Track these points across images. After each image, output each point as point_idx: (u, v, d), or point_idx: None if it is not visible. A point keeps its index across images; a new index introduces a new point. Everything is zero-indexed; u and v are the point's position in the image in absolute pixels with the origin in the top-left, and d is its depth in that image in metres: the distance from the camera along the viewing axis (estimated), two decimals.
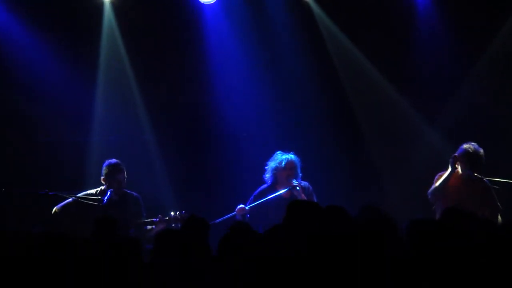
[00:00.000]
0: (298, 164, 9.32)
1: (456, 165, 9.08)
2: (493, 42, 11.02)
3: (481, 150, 9.03)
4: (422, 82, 11.11)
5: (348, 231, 4.84)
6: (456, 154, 9.05)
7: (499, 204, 9.00)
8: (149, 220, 8.84)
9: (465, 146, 9.05)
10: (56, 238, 4.86)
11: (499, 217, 8.96)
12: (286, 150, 9.44)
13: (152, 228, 8.74)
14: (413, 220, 5.28)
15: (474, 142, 9.08)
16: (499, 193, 9.09)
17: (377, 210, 5.32)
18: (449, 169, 9.05)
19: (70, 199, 8.83)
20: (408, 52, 11.09)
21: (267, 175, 9.42)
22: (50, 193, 8.74)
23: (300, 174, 9.34)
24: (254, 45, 11.09)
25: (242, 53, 11.09)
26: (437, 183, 9.04)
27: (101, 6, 10.92)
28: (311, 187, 9.36)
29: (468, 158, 8.98)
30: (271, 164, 9.38)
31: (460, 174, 9.04)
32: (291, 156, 9.33)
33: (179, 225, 8.64)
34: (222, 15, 11.06)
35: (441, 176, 9.13)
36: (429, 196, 9.10)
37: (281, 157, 9.33)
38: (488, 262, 4.66)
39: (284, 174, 9.27)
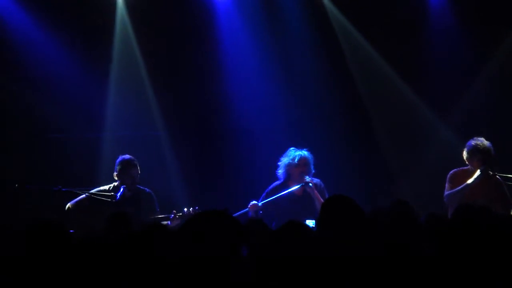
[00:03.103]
0: (311, 161, 9.30)
1: (467, 162, 9.05)
2: (507, 39, 11.00)
3: (491, 145, 8.98)
4: (435, 79, 11.09)
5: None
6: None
7: (511, 199, 8.99)
8: (163, 216, 8.86)
9: (474, 142, 8.99)
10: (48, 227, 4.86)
11: (511, 213, 8.95)
12: (298, 146, 9.43)
13: (167, 224, 8.76)
14: (430, 213, 5.29)
15: (487, 139, 9.04)
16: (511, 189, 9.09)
17: (407, 205, 5.31)
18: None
19: (84, 195, 8.84)
20: (421, 50, 11.07)
21: (280, 171, 9.40)
22: (63, 189, 8.73)
23: (313, 171, 9.34)
24: (267, 41, 11.09)
25: (255, 49, 11.10)
26: (458, 188, 8.94)
27: (114, 2, 10.95)
28: (323, 184, 9.34)
29: (480, 154, 8.94)
30: (284, 160, 9.36)
31: (473, 171, 9.01)
32: (304, 152, 9.32)
33: None
34: (235, 11, 11.08)
35: (455, 174, 9.08)
36: (446, 199, 9.04)
37: (294, 153, 9.32)
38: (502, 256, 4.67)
39: (297, 170, 9.25)
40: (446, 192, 9.05)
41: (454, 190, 8.96)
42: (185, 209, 8.79)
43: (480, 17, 10.91)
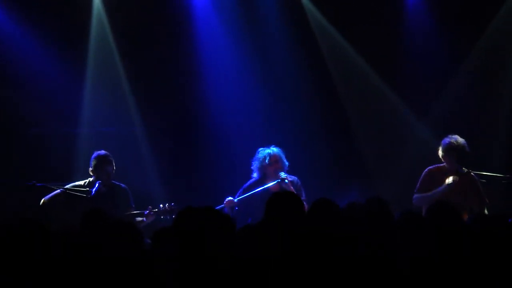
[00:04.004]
0: (282, 155, 9.31)
1: (442, 160, 9.10)
2: (482, 38, 11.08)
3: (465, 142, 9.02)
4: (411, 77, 11.16)
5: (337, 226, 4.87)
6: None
7: (486, 197, 9.05)
8: (138, 212, 8.84)
9: (449, 139, 8.99)
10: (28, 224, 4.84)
11: (485, 210, 9.00)
12: (273, 143, 9.44)
13: (142, 220, 8.74)
14: (404, 212, 5.32)
15: (463, 136, 9.09)
16: (486, 187, 9.14)
17: (382, 202, 5.34)
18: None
19: (59, 190, 8.81)
20: (398, 47, 11.14)
21: (255, 174, 9.42)
22: (37, 184, 8.71)
23: (287, 163, 9.34)
24: (245, 40, 11.11)
25: (233, 47, 11.11)
26: (428, 194, 8.92)
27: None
28: (299, 182, 9.35)
29: (455, 152, 8.98)
30: (256, 163, 9.39)
31: (447, 169, 9.06)
32: (273, 149, 9.32)
33: (168, 217, 8.65)
34: (213, 9, 11.07)
35: (430, 172, 9.11)
36: (414, 201, 9.05)
37: (263, 153, 9.32)
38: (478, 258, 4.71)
39: (270, 169, 9.27)
40: (416, 195, 9.07)
41: (424, 195, 8.98)
42: (161, 205, 8.78)
43: (456, 17, 10.99)
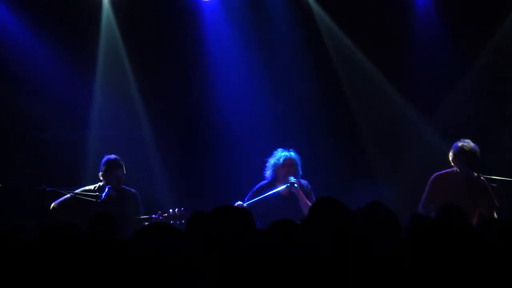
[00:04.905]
0: (298, 162, 9.29)
1: (452, 163, 9.07)
2: (490, 43, 11.06)
3: (477, 147, 9.00)
4: (419, 81, 11.14)
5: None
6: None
7: (496, 201, 9.02)
8: (147, 216, 8.82)
9: (460, 144, 8.97)
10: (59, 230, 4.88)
11: (495, 215, 8.97)
12: (284, 146, 9.43)
13: None
14: (414, 215, 5.30)
15: (471, 140, 9.05)
16: (496, 191, 9.11)
17: (383, 206, 5.32)
18: None
19: (68, 195, 8.82)
20: (406, 51, 11.12)
21: (268, 172, 9.39)
22: (47, 189, 8.71)
23: (301, 173, 9.33)
24: (253, 43, 11.11)
25: (241, 50, 11.11)
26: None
27: (100, 2, 10.91)
28: (310, 186, 9.33)
29: (465, 156, 8.95)
30: (271, 161, 9.36)
31: (458, 173, 9.03)
32: (291, 153, 9.31)
33: (177, 222, 8.64)
34: (221, 13, 11.08)
35: (437, 178, 9.08)
36: (420, 209, 9.01)
37: (280, 154, 9.31)
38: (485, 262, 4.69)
39: (282, 171, 9.24)
40: (423, 202, 9.04)
41: (426, 202, 8.99)
42: (170, 210, 8.78)
43: (464, 19, 10.97)
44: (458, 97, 11.05)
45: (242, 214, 4.80)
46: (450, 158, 9.07)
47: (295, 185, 9.10)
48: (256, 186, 9.38)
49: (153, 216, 8.75)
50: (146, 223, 8.72)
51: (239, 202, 9.11)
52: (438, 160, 9.47)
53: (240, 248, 4.50)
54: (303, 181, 9.32)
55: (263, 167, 9.44)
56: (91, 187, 9.00)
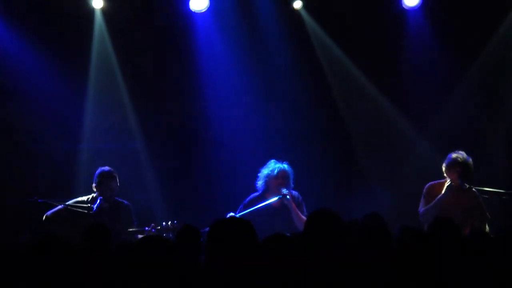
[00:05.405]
0: (291, 175, 9.30)
1: (445, 174, 9.09)
2: (483, 52, 11.10)
3: (470, 159, 9.03)
4: (412, 91, 11.17)
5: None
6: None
7: (487, 213, 9.03)
8: (140, 229, 8.81)
9: (454, 155, 8.99)
10: (50, 241, 4.88)
11: (487, 226, 8.99)
12: (277, 158, 9.45)
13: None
14: (402, 226, 5.32)
15: (464, 151, 9.08)
16: (488, 203, 9.13)
17: (379, 218, 5.35)
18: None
19: (60, 206, 8.80)
20: (398, 61, 11.16)
21: (259, 182, 9.39)
22: (39, 200, 8.70)
23: (292, 185, 9.34)
24: (245, 53, 11.11)
25: (233, 60, 11.11)
26: (431, 204, 8.95)
27: (92, 13, 10.89)
28: (300, 197, 9.35)
29: (459, 168, 8.98)
30: (264, 172, 9.37)
31: (450, 184, 9.05)
32: (284, 165, 9.32)
33: (170, 235, 8.63)
34: (213, 23, 11.08)
35: (431, 187, 9.12)
36: (421, 218, 9.01)
37: (274, 166, 9.32)
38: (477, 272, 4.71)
39: (275, 182, 9.25)
40: (421, 210, 9.07)
41: (427, 206, 9.00)
42: (164, 223, 8.77)
43: (456, 30, 11.01)
44: (451, 108, 11.09)
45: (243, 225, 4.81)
46: (443, 169, 9.09)
47: (287, 196, 9.12)
48: (248, 198, 9.37)
49: (146, 228, 8.74)
50: (139, 235, 8.72)
51: (231, 214, 9.10)
52: (432, 171, 9.49)
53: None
54: (294, 192, 9.33)
55: (255, 178, 9.45)
56: (84, 198, 9.00)
